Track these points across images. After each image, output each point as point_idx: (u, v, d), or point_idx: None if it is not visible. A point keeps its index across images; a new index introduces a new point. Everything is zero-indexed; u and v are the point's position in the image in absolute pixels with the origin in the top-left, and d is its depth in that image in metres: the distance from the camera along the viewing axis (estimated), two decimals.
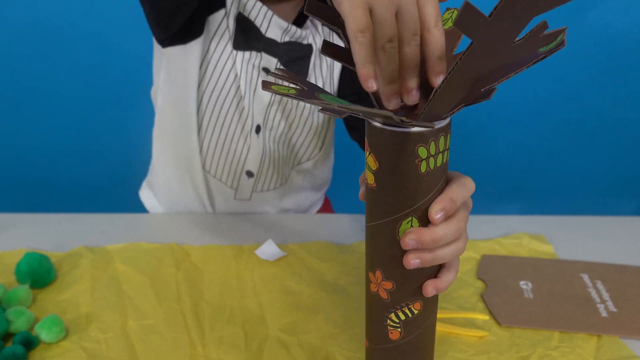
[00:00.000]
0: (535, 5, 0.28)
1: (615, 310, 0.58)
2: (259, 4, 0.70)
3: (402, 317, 0.39)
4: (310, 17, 0.74)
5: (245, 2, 0.70)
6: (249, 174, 0.80)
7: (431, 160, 0.35)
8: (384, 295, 0.39)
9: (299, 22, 0.74)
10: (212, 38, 0.71)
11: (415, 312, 0.40)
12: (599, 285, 0.62)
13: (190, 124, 0.75)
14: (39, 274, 0.61)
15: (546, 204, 1.54)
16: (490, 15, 0.28)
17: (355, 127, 0.80)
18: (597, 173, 1.52)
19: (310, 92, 0.36)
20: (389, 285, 0.39)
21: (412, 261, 0.37)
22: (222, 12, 0.71)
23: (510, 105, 1.45)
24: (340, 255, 0.67)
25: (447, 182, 0.38)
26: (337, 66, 0.78)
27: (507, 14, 0.28)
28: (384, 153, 0.35)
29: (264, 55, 0.73)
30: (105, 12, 1.31)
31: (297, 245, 0.69)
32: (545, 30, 0.31)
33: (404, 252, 0.37)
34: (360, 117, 0.35)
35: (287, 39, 0.72)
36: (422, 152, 0.34)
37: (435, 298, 0.41)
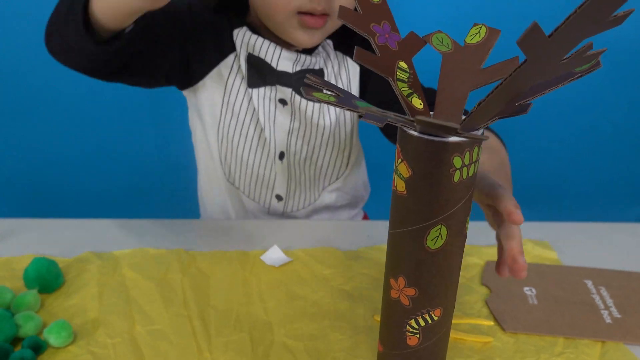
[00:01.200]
0: (592, 27, 0.29)
1: (619, 316, 0.58)
2: (267, 41, 0.73)
3: (422, 323, 0.40)
4: (324, 43, 0.77)
5: (253, 43, 0.73)
6: (278, 197, 0.83)
7: (464, 170, 0.35)
8: (405, 301, 0.39)
9: (311, 48, 0.75)
10: (227, 81, 0.75)
11: (436, 318, 0.40)
12: (603, 291, 0.62)
13: (214, 157, 0.81)
14: (47, 279, 0.61)
15: (550, 209, 1.54)
16: (550, 36, 0.28)
17: (393, 133, 0.83)
18: (600, 179, 1.53)
19: (347, 100, 0.36)
20: (411, 291, 0.39)
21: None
22: (232, 56, 0.74)
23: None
24: (346, 262, 0.68)
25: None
26: (354, 85, 0.79)
27: (566, 35, 0.28)
28: (418, 161, 0.35)
29: (279, 87, 0.75)
30: None
31: (303, 251, 0.69)
32: (589, 50, 0.32)
33: (431, 258, 0.38)
34: (394, 124, 0.35)
35: (298, 68, 0.74)
36: (457, 161, 0.35)
37: (453, 304, 0.41)
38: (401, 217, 0.38)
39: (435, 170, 0.35)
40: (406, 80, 0.39)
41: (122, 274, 0.65)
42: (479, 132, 0.36)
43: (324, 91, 0.36)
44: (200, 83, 0.76)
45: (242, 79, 0.75)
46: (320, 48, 0.76)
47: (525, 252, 0.70)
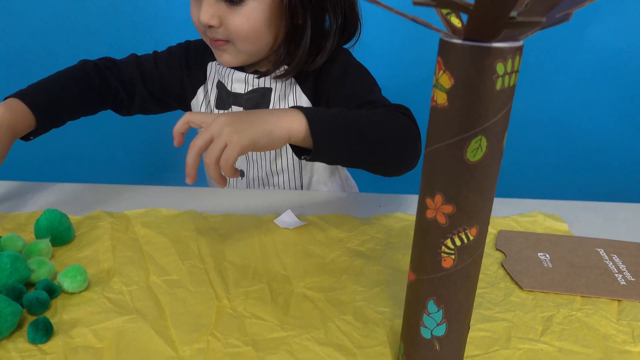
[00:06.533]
0: None
1: (633, 279, 0.59)
2: (228, 68, 0.82)
3: (458, 242, 0.39)
4: (281, 70, 0.80)
5: (221, 71, 0.83)
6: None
7: (506, 78, 0.35)
8: (442, 220, 0.39)
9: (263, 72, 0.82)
10: (201, 105, 0.88)
11: (472, 237, 0.39)
12: (616, 258, 0.63)
13: None
14: (58, 230, 0.60)
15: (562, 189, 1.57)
16: None
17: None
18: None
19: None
20: (449, 208, 0.38)
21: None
22: (203, 85, 0.87)
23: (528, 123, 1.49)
24: (360, 226, 0.67)
25: None
26: (304, 100, 0.82)
27: None
28: (462, 69, 0.35)
29: (233, 107, 0.83)
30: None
31: (317, 217, 0.69)
32: None
33: (470, 172, 0.37)
34: (435, 30, 0.36)
35: (250, 88, 0.82)
36: (499, 68, 0.35)
37: (487, 226, 0.41)
38: (440, 131, 0.37)
39: (478, 78, 0.35)
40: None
41: (135, 231, 0.64)
42: (520, 42, 0.36)
43: None
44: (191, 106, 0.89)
45: (208, 103, 0.86)
46: (274, 73, 0.80)
47: (536, 223, 0.70)
